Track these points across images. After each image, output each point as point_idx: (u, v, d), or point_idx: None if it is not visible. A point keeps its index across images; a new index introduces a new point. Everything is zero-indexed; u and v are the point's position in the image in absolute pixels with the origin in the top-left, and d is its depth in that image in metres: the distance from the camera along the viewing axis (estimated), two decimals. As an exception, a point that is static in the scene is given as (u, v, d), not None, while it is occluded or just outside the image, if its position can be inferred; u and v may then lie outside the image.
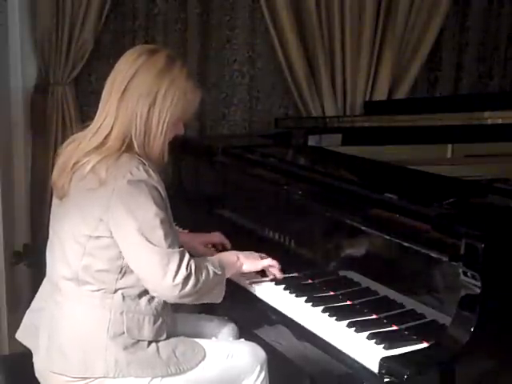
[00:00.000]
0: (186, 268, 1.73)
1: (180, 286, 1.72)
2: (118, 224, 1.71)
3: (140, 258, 1.73)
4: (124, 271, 1.76)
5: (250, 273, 2.01)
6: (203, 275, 1.77)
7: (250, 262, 1.98)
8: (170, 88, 1.76)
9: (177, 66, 1.79)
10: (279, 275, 2.01)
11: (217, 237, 2.27)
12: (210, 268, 1.81)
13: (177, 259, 1.72)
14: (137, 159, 1.74)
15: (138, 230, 1.69)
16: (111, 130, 1.75)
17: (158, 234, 1.71)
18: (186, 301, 1.78)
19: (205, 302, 1.86)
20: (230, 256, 1.98)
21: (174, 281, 1.71)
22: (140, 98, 1.74)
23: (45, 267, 1.90)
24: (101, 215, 1.71)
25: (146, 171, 1.72)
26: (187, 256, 1.76)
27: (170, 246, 1.72)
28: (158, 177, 1.75)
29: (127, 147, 1.75)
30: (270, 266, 2.01)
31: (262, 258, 2.01)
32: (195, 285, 1.74)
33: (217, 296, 1.86)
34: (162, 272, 1.71)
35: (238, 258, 1.97)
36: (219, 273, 1.83)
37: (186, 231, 2.45)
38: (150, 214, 1.70)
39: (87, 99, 3.02)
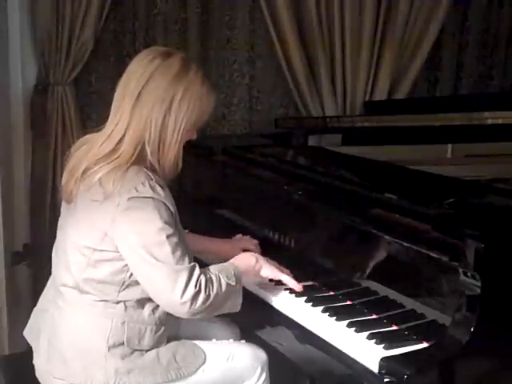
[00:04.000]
0: (195, 285, 1.66)
1: (189, 303, 1.66)
2: (123, 240, 1.67)
3: (147, 275, 1.68)
4: (127, 285, 1.73)
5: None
6: (214, 290, 1.70)
7: (269, 267, 1.89)
8: (185, 93, 1.70)
9: (192, 70, 1.74)
10: (298, 288, 1.90)
11: (247, 242, 2.19)
12: (223, 279, 1.74)
13: (185, 276, 1.65)
14: (144, 173, 1.68)
15: (143, 247, 1.65)
16: (123, 136, 1.70)
17: (165, 250, 1.65)
18: (200, 317, 1.72)
19: (222, 313, 1.80)
20: (247, 259, 1.89)
21: (182, 298, 1.65)
22: (155, 103, 1.69)
23: (45, 267, 1.90)
24: (106, 230, 1.68)
25: (152, 187, 1.67)
26: (197, 272, 1.69)
27: (178, 263, 1.66)
28: (165, 192, 1.69)
29: (139, 155, 1.70)
30: (289, 277, 1.91)
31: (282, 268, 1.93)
32: (205, 301, 1.68)
33: (233, 306, 1.79)
34: (170, 289, 1.65)
35: (257, 260, 1.89)
36: (233, 283, 1.76)
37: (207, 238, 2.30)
38: (155, 229, 1.65)
39: (87, 99, 3.02)
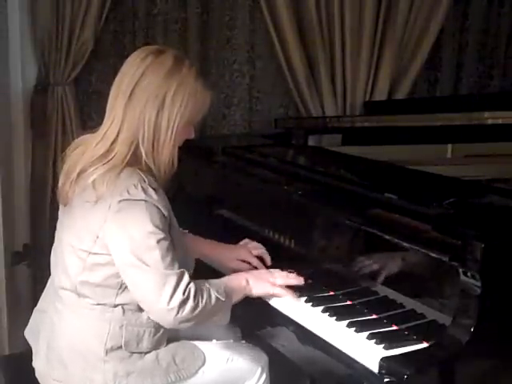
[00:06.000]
0: (184, 292, 1.63)
1: (175, 310, 1.62)
2: (113, 242, 1.65)
3: (134, 279, 1.65)
4: (124, 287, 1.70)
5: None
6: (203, 300, 1.67)
7: (260, 286, 1.86)
8: (179, 89, 1.69)
9: (185, 66, 1.72)
10: (294, 297, 1.88)
11: (245, 251, 2.11)
12: (213, 293, 1.71)
13: (173, 282, 1.62)
14: (137, 175, 1.66)
15: (132, 251, 1.62)
16: (117, 135, 1.68)
17: (154, 254, 1.61)
18: (185, 326, 1.68)
19: (207, 324, 1.78)
20: (239, 280, 1.85)
21: (168, 304, 1.61)
22: (148, 100, 1.67)
23: (45, 268, 1.90)
24: (97, 232, 1.67)
25: (145, 190, 1.64)
26: (186, 278, 1.65)
27: (167, 268, 1.62)
28: (158, 194, 1.66)
29: (133, 155, 1.68)
30: (286, 285, 1.88)
31: (275, 277, 1.90)
32: (193, 310, 1.64)
33: (220, 320, 1.78)
34: (157, 295, 1.62)
35: (248, 282, 1.85)
36: (223, 299, 1.72)
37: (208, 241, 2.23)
38: (145, 233, 1.62)
39: (87, 99, 3.02)
